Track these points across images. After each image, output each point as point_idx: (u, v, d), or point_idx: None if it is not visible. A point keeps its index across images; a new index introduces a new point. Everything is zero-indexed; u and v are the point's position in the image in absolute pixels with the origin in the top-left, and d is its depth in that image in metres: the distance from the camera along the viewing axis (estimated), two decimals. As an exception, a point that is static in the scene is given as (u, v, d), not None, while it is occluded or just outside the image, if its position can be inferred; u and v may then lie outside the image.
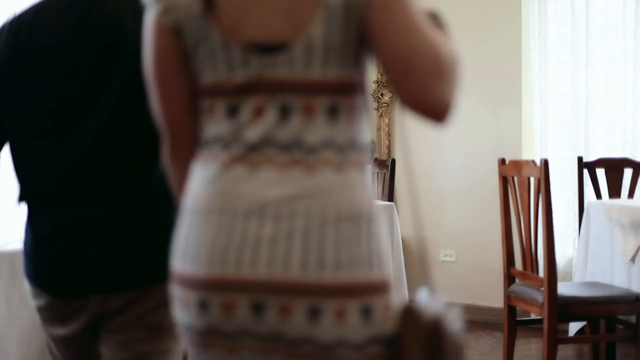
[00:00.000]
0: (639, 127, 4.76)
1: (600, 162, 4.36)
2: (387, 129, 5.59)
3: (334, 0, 1.17)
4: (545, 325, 3.32)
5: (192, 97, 1.27)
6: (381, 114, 5.58)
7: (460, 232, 5.40)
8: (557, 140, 5.08)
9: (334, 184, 1.19)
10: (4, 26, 1.74)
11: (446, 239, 5.45)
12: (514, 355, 3.66)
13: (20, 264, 2.41)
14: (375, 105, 5.58)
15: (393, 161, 4.33)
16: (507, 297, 3.66)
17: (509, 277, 3.69)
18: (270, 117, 1.20)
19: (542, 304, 3.34)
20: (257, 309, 1.17)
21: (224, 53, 1.21)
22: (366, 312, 1.17)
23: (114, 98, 1.66)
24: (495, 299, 5.06)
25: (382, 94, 5.55)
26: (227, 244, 1.19)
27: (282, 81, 1.20)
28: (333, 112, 1.21)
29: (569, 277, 4.74)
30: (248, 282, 1.17)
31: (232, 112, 1.23)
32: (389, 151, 5.58)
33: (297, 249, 1.16)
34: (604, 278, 3.73)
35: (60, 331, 1.78)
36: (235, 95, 1.23)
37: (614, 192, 4.30)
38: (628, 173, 4.34)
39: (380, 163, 4.58)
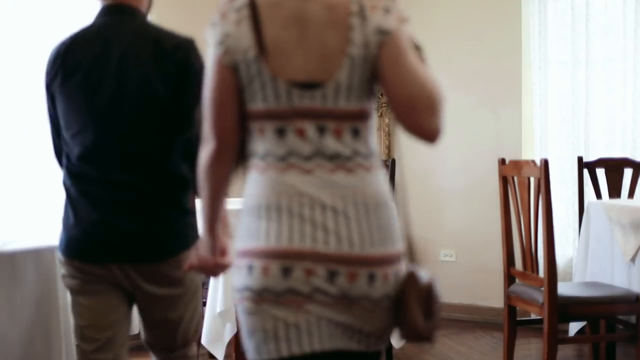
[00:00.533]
0: (639, 127, 4.77)
1: (600, 162, 4.36)
2: (387, 129, 5.59)
3: (356, 54, 1.60)
4: (545, 325, 3.32)
5: (239, 117, 1.66)
6: (381, 114, 5.58)
7: (460, 232, 5.40)
8: (557, 140, 5.08)
9: (366, 181, 1.64)
10: (51, 55, 2.29)
11: (446, 239, 5.44)
12: (514, 355, 3.66)
13: (20, 265, 2.46)
14: (375, 105, 5.57)
15: (393, 161, 4.32)
16: (507, 297, 3.67)
17: (509, 277, 3.69)
18: (311, 135, 1.62)
19: (542, 304, 3.34)
20: (332, 275, 1.59)
21: (273, 87, 1.61)
22: (397, 275, 1.64)
23: (131, 108, 2.16)
24: (495, 299, 5.06)
25: (382, 94, 5.53)
26: (302, 226, 1.60)
27: (317, 110, 1.62)
28: (355, 132, 1.65)
29: (569, 277, 4.75)
30: (322, 255, 1.59)
31: (280, 133, 1.63)
32: (389, 151, 5.58)
33: (355, 232, 1.60)
34: (604, 278, 3.73)
35: (87, 289, 2.22)
36: (281, 119, 1.62)
37: (614, 192, 4.31)
38: (628, 173, 4.34)
39: (380, 163, 4.58)
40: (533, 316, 4.21)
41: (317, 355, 1.62)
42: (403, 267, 1.67)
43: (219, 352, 3.63)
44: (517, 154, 5.00)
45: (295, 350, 1.62)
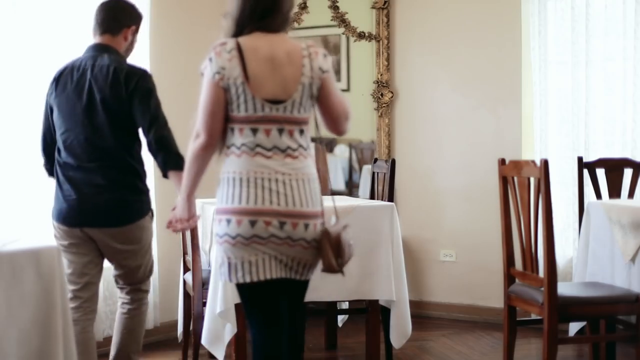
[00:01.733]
0: (639, 127, 4.76)
1: (600, 162, 4.36)
2: (387, 129, 5.58)
3: (305, 82, 2.51)
4: (545, 325, 3.32)
5: (225, 121, 2.50)
6: (381, 114, 5.57)
7: (460, 232, 5.40)
8: (557, 140, 5.07)
9: (304, 164, 2.53)
10: (55, 75, 3.25)
11: (446, 239, 5.44)
12: (514, 355, 3.66)
13: (20, 265, 2.48)
14: (375, 105, 5.58)
15: (393, 161, 4.31)
16: (507, 297, 3.66)
17: (509, 277, 3.69)
18: (273, 134, 2.49)
19: (542, 304, 3.34)
20: (281, 224, 2.45)
21: (252, 102, 2.47)
22: (321, 226, 2.53)
23: (95, 118, 3.14)
24: (495, 299, 5.07)
25: (382, 94, 5.54)
26: (263, 193, 2.45)
27: (280, 118, 2.49)
28: (301, 132, 2.54)
29: (569, 277, 4.74)
30: (276, 211, 2.45)
31: (254, 132, 2.48)
32: (389, 151, 5.57)
33: (297, 196, 2.48)
34: (604, 278, 3.73)
35: (72, 247, 3.18)
36: (255, 123, 2.48)
37: (614, 192, 4.30)
38: (628, 173, 4.34)
39: (380, 163, 4.56)
40: (533, 316, 4.22)
41: (269, 282, 2.48)
42: (323, 222, 2.53)
43: (219, 352, 3.63)
44: (517, 154, 5.00)
45: (254, 279, 2.47)
